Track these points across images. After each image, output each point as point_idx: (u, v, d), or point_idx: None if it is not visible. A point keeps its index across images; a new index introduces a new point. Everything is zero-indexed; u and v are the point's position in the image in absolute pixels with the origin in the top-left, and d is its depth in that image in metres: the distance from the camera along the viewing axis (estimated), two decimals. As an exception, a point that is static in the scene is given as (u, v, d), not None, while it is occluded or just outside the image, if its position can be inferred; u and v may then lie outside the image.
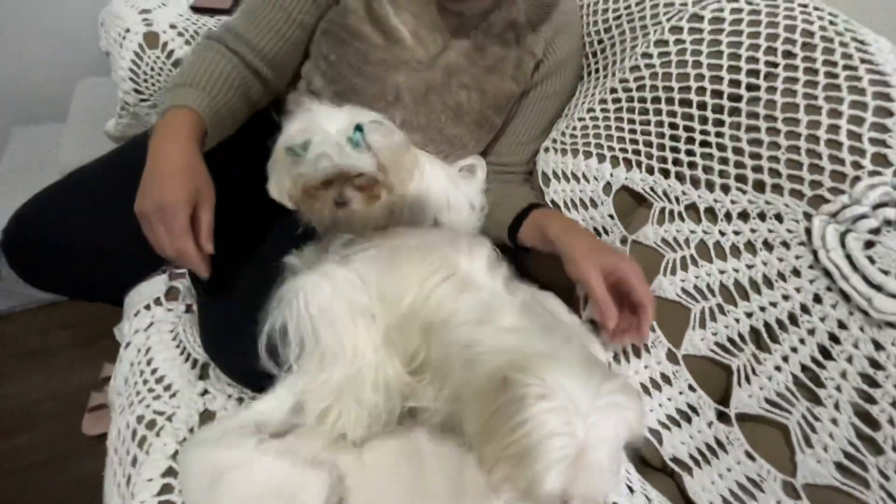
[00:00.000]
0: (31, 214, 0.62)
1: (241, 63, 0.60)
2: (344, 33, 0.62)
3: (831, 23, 0.50)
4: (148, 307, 0.66)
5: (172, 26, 0.87)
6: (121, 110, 0.88)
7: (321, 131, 0.46)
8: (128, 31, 0.86)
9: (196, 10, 0.92)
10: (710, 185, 0.52)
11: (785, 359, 0.45)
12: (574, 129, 0.68)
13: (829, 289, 0.42)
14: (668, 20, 0.60)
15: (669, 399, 0.55)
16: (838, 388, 0.41)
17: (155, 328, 0.66)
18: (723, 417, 0.50)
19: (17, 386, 1.02)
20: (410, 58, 0.63)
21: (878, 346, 0.39)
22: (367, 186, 0.49)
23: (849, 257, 0.41)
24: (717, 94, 0.53)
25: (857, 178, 0.41)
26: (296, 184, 0.48)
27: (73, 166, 0.77)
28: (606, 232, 0.63)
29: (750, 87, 0.51)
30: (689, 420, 0.53)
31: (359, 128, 0.46)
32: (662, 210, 0.56)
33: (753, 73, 0.51)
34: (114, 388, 0.63)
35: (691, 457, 0.53)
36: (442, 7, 0.61)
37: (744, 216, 0.49)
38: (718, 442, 0.51)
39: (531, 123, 0.72)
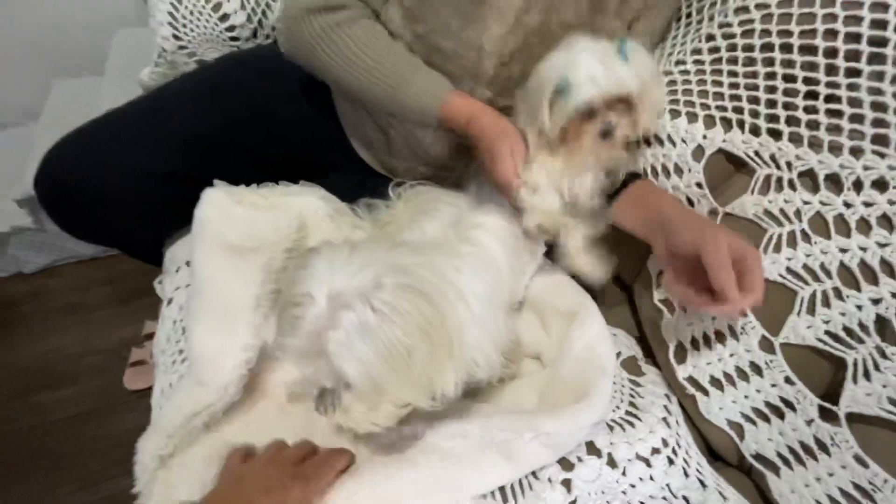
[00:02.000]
0: (60, 156, 0.59)
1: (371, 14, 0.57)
2: None
3: None
4: (189, 263, 0.63)
5: (212, -34, 0.81)
6: (157, 58, 0.84)
7: (580, 62, 0.46)
8: (165, -29, 0.80)
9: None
10: (836, 149, 0.44)
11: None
12: (682, 79, 0.59)
13: None
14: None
15: (759, 391, 0.49)
16: None
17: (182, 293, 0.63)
18: (827, 415, 0.44)
19: (59, 340, 1.04)
20: None
21: None
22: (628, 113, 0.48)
23: None
24: (854, 37, 0.44)
25: None
26: (556, 122, 0.47)
27: None
28: (692, 203, 0.55)
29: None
30: (781, 416, 0.47)
31: (623, 41, 0.46)
32: (768, 178, 0.49)
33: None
34: (157, 345, 0.60)
35: (780, 455, 0.47)
36: None
37: (880, 185, 0.41)
38: (819, 442, 0.45)
39: (652, 26, 0.62)
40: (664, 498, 0.49)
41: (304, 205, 0.58)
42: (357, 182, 0.66)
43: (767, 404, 0.48)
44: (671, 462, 0.51)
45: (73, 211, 0.61)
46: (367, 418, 0.38)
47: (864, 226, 0.42)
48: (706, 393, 0.52)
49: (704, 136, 0.54)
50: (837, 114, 0.44)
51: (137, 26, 1.16)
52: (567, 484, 0.47)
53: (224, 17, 0.81)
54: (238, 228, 0.51)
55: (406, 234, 0.55)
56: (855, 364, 0.42)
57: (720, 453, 0.53)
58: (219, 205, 0.52)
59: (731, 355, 0.50)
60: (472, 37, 0.53)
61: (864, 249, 0.41)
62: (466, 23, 0.53)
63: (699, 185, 0.55)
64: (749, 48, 0.51)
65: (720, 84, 0.54)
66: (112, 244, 0.73)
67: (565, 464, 0.47)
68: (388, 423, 0.39)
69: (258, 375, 0.51)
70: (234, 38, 0.84)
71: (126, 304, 1.10)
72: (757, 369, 0.49)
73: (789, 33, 0.48)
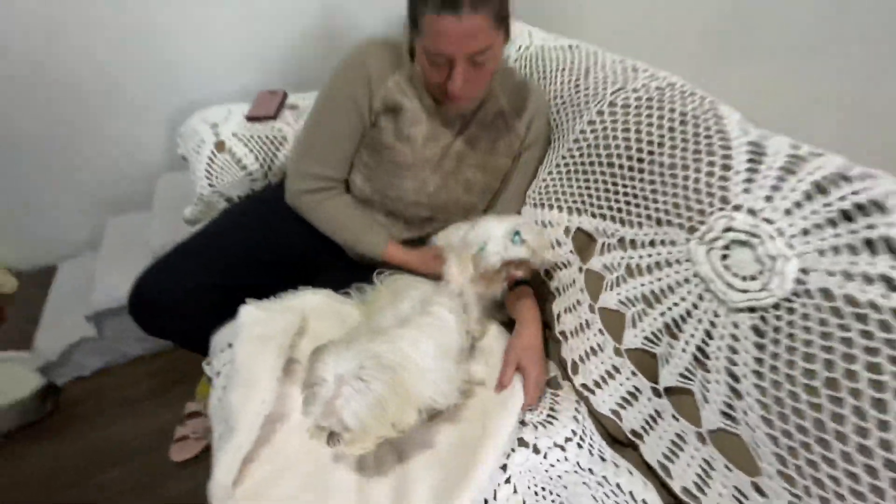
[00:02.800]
0: (148, 280, 0.86)
1: (342, 189, 0.92)
2: (379, 146, 0.87)
3: (700, 104, 0.71)
4: (230, 345, 0.88)
5: (234, 134, 1.16)
6: (196, 200, 1.15)
7: (493, 237, 0.74)
8: (203, 141, 1.14)
9: (249, 119, 1.21)
10: (629, 223, 0.72)
11: (686, 343, 0.62)
12: (542, 187, 0.90)
13: (707, 290, 0.61)
14: (595, 105, 0.83)
15: (621, 385, 0.72)
16: (717, 359, 0.58)
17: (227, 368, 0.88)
18: (656, 393, 0.68)
19: (114, 428, 1.25)
20: (430, 155, 0.86)
21: (735, 326, 0.57)
22: (523, 265, 0.75)
23: (713, 267, 0.60)
24: (629, 157, 0.74)
25: (711, 213, 0.61)
26: (476, 267, 0.75)
27: (161, 247, 1.04)
28: (568, 265, 0.82)
29: (650, 153, 0.72)
30: (636, 399, 0.70)
31: (517, 232, 0.73)
32: (603, 244, 0.76)
33: (650, 142, 0.72)
34: (211, 405, 0.83)
35: (642, 427, 0.70)
36: (444, 113, 0.86)
37: (651, 244, 0.68)
38: (657, 412, 0.68)
39: (518, 184, 0.95)
40: (576, 472, 0.70)
41: (306, 303, 0.85)
42: (347, 274, 0.93)
43: (628, 392, 0.71)
44: (580, 446, 0.73)
45: (156, 319, 0.87)
46: (358, 447, 0.61)
47: (647, 269, 0.68)
48: (593, 392, 0.75)
49: (569, 220, 0.83)
50: (628, 203, 0.73)
51: (175, 171, 1.51)
52: (504, 468, 0.68)
53: (244, 168, 1.14)
54: (261, 327, 0.76)
55: (387, 313, 0.79)
56: (661, 356, 0.66)
57: (615, 435, 0.75)
58: (250, 314, 0.78)
59: (601, 363, 0.74)
60: (405, 185, 0.85)
61: (650, 283, 0.67)
62: (399, 180, 0.85)
63: (571, 251, 0.82)
64: (583, 164, 0.81)
65: (573, 186, 0.83)
66: (174, 339, 0.98)
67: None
68: (370, 449, 0.62)
69: (276, 422, 0.73)
70: (252, 181, 1.16)
71: (166, 393, 1.32)
72: (616, 370, 0.72)
73: (600, 154, 0.78)
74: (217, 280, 0.86)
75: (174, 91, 1.45)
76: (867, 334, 0.46)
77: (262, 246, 0.93)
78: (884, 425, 0.45)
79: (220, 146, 1.13)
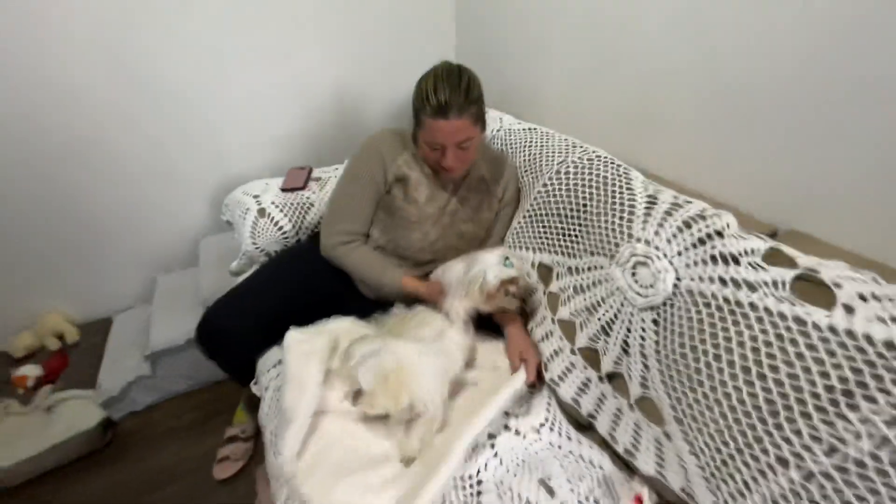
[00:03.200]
0: (213, 311, 1.11)
1: (365, 241, 1.19)
2: (393, 208, 1.15)
3: (617, 170, 1.00)
4: (276, 365, 1.12)
5: (273, 203, 1.45)
6: (241, 255, 1.43)
7: (489, 265, 1.00)
8: (248, 209, 1.44)
9: (284, 190, 1.51)
10: (573, 256, 0.99)
11: (616, 337, 0.87)
12: (514, 233, 1.18)
13: (624, 298, 0.86)
14: (548, 172, 1.12)
15: (577, 377, 0.95)
16: (633, 346, 0.83)
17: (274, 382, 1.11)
18: (601, 380, 0.91)
19: (162, 455, 1.44)
20: (431, 213, 1.15)
21: (643, 321, 0.82)
22: (515, 284, 1.00)
23: (626, 282, 0.85)
24: (571, 209, 1.02)
25: (622, 245, 0.88)
26: (481, 292, 0.99)
27: (211, 295, 1.31)
28: (535, 291, 1.08)
29: (584, 205, 1.00)
30: (588, 387, 0.93)
31: (506, 257, 1.00)
32: (557, 273, 1.02)
33: (584, 198, 1.00)
34: (262, 414, 1.06)
35: (595, 409, 0.92)
36: (440, 180, 1.15)
37: (588, 269, 0.95)
38: (603, 395, 0.90)
39: (498, 233, 1.22)
40: (548, 448, 0.92)
41: (337, 327, 1.09)
42: (364, 310, 1.18)
43: (582, 383, 0.94)
44: (551, 430, 0.95)
45: (217, 343, 1.11)
46: (367, 406, 0.85)
47: (586, 288, 0.94)
48: (559, 385, 0.98)
49: (533, 256, 1.09)
50: (572, 242, 1.00)
51: (213, 235, 1.80)
52: (493, 447, 0.90)
53: (280, 228, 1.43)
54: (305, 345, 1.01)
55: (410, 332, 1.03)
56: (602, 350, 0.90)
57: (578, 420, 0.97)
58: (295, 336, 1.02)
59: (562, 361, 0.98)
60: (412, 237, 1.13)
61: (588, 298, 0.93)
62: (408, 232, 1.13)
63: (537, 280, 1.08)
64: (542, 214, 1.09)
65: (536, 230, 1.11)
66: (226, 362, 1.21)
67: (491, 436, 0.90)
68: (378, 412, 0.86)
69: (320, 415, 0.96)
70: (285, 238, 1.44)
71: (207, 423, 1.52)
72: (573, 365, 0.96)
73: (554, 207, 1.06)
74: (266, 314, 1.12)
75: (217, 169, 1.78)
76: (714, 315, 0.71)
77: (298, 289, 1.20)
78: (732, 374, 0.68)
79: (260, 213, 1.42)
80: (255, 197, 1.48)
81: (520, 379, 0.97)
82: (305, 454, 0.87)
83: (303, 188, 1.52)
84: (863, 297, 0.59)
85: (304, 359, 0.97)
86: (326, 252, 1.19)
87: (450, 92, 0.97)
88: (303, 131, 1.86)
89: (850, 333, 0.58)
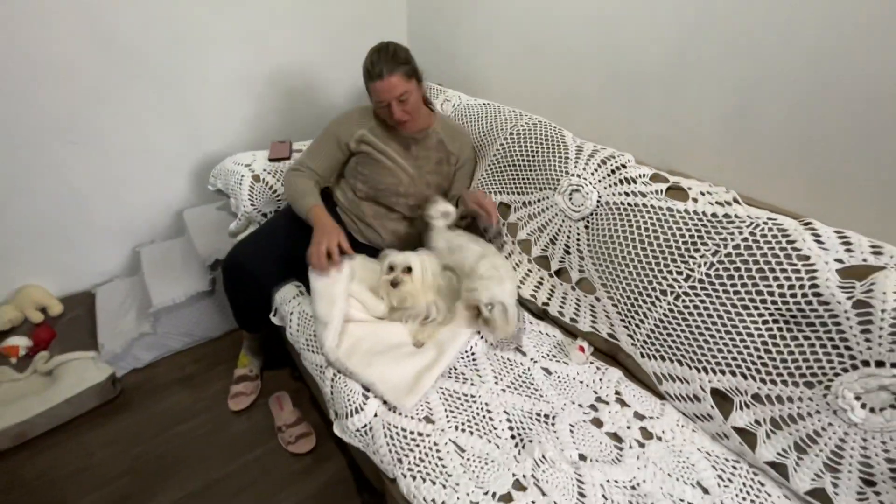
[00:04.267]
0: (236, 251, 1.34)
1: (314, 179, 1.41)
2: (369, 159, 1.43)
3: (553, 129, 1.37)
4: (294, 298, 1.35)
5: (264, 170, 1.66)
6: (240, 217, 1.62)
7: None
8: (242, 177, 1.63)
9: (271, 160, 1.72)
10: (525, 192, 1.35)
11: (559, 244, 1.24)
12: (480, 182, 1.51)
13: (565, 216, 1.24)
14: (501, 136, 1.47)
15: (533, 279, 1.32)
16: (572, 246, 1.21)
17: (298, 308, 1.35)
18: (551, 276, 1.28)
19: (175, 398, 1.60)
20: (403, 163, 1.44)
21: (578, 229, 1.20)
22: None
23: (566, 204, 1.23)
24: (521, 161, 1.38)
25: (560, 179, 1.25)
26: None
27: (208, 257, 1.53)
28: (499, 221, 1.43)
29: (531, 157, 1.36)
30: (542, 284, 1.30)
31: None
32: (513, 207, 1.38)
33: (530, 152, 1.37)
34: (292, 333, 1.30)
35: (548, 297, 1.29)
36: (402, 137, 1.44)
37: (537, 201, 1.31)
38: (552, 287, 1.28)
39: (458, 185, 1.54)
40: (518, 331, 1.27)
41: (352, 262, 1.35)
42: (356, 250, 1.45)
43: (537, 282, 1.31)
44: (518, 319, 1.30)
45: (240, 276, 1.33)
46: (406, 292, 1.17)
47: (536, 214, 1.31)
48: (520, 286, 1.34)
49: (495, 198, 1.44)
50: (514, 178, 1.36)
51: (196, 206, 1.94)
52: (478, 332, 1.23)
53: (274, 191, 1.64)
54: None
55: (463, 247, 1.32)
56: (551, 255, 1.28)
57: (535, 311, 1.33)
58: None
59: (523, 269, 1.34)
60: (389, 181, 1.42)
61: (538, 222, 1.30)
62: (385, 178, 1.42)
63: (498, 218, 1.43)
64: (498, 167, 1.44)
65: (494, 181, 1.45)
66: (243, 298, 1.42)
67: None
68: (409, 301, 1.18)
69: (347, 322, 1.24)
70: (277, 200, 1.66)
71: (211, 370, 1.70)
72: (530, 272, 1.32)
73: (506, 162, 1.42)
74: (281, 254, 1.35)
75: (194, 146, 1.92)
76: (622, 214, 1.11)
77: (305, 235, 1.44)
78: (633, 246, 1.07)
79: (256, 178, 1.63)
80: (247, 166, 1.67)
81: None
82: (342, 346, 1.15)
83: (288, 158, 1.74)
84: (702, 193, 1.01)
85: (329, 281, 1.24)
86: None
87: (381, 58, 1.27)
88: (272, 110, 2.04)
89: (695, 212, 0.99)
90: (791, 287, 0.87)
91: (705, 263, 0.95)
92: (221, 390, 1.62)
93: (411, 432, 0.96)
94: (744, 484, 0.89)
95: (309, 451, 1.42)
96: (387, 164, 1.42)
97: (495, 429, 0.97)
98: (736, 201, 0.97)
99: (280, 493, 1.33)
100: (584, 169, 1.22)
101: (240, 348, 1.68)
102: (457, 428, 0.96)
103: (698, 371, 0.99)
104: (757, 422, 0.92)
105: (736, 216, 0.95)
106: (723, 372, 0.96)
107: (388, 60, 1.27)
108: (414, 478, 0.87)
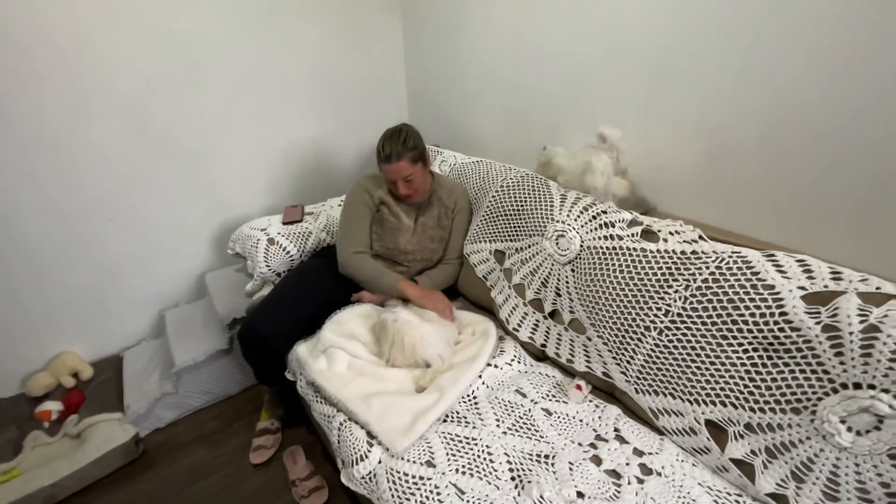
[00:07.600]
0: (253, 317, 1.43)
1: (372, 253, 1.56)
2: (383, 222, 1.56)
3: (539, 181, 1.48)
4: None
5: (279, 233, 1.80)
6: (256, 278, 1.75)
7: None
8: (258, 240, 1.77)
9: (285, 223, 1.86)
10: (516, 240, 1.44)
11: (551, 287, 1.31)
12: (475, 232, 1.62)
13: (553, 260, 1.31)
14: (493, 189, 1.59)
15: (530, 322, 1.38)
16: (560, 288, 1.28)
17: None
18: (546, 318, 1.34)
19: (195, 456, 1.66)
20: (408, 226, 1.56)
21: (565, 273, 1.27)
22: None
23: (553, 249, 1.31)
24: (512, 210, 1.48)
25: (547, 226, 1.34)
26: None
27: (227, 316, 1.64)
28: (494, 270, 1.51)
29: (521, 207, 1.47)
30: (538, 326, 1.36)
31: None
32: (507, 254, 1.47)
33: (520, 202, 1.47)
34: (301, 387, 1.37)
35: (544, 339, 1.35)
36: (409, 204, 1.57)
37: (528, 247, 1.40)
38: (548, 329, 1.33)
39: (455, 235, 1.65)
40: (518, 373, 1.32)
41: (358, 311, 1.45)
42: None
43: (534, 324, 1.37)
44: (518, 362, 1.35)
45: (257, 344, 1.42)
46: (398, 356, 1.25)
47: (528, 259, 1.39)
48: (518, 330, 1.40)
49: (490, 246, 1.53)
50: (506, 226, 1.45)
51: (216, 269, 2.09)
52: (480, 377, 1.29)
53: (288, 253, 1.77)
54: (335, 328, 1.36)
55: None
56: (544, 298, 1.34)
57: (536, 355, 1.38)
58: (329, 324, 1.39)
59: (519, 313, 1.40)
60: (398, 240, 1.54)
61: (530, 266, 1.37)
62: (394, 238, 1.55)
63: (494, 262, 1.52)
64: (492, 217, 1.55)
65: (488, 230, 1.55)
66: (261, 361, 1.51)
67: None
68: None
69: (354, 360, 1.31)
70: (291, 260, 1.78)
71: (229, 426, 1.76)
72: (526, 315, 1.39)
73: (498, 212, 1.52)
74: (296, 317, 1.45)
75: (217, 214, 2.09)
76: (603, 257, 1.18)
77: (317, 295, 1.54)
78: (614, 287, 1.14)
79: (271, 241, 1.76)
80: (263, 230, 1.81)
81: (492, 340, 1.37)
82: (347, 388, 1.21)
83: (300, 221, 1.88)
84: (671, 233, 1.08)
85: (339, 331, 1.33)
86: (344, 263, 1.55)
87: (391, 145, 1.43)
88: (287, 177, 2.23)
89: (666, 251, 1.06)
90: (763, 316, 0.92)
91: (680, 298, 1.01)
92: (239, 445, 1.68)
93: (413, 476, 1.00)
94: (744, 517, 0.89)
95: (322, 504, 1.45)
96: (396, 225, 1.56)
97: (495, 471, 1.01)
98: (702, 238, 1.04)
99: (294, 547, 1.34)
100: (568, 215, 1.32)
101: (256, 403, 1.75)
102: (457, 471, 1.00)
103: (691, 403, 1.02)
104: (753, 452, 0.94)
105: (703, 252, 1.02)
106: (713, 402, 0.98)
107: (397, 145, 1.43)
108: (416, 520, 0.91)
